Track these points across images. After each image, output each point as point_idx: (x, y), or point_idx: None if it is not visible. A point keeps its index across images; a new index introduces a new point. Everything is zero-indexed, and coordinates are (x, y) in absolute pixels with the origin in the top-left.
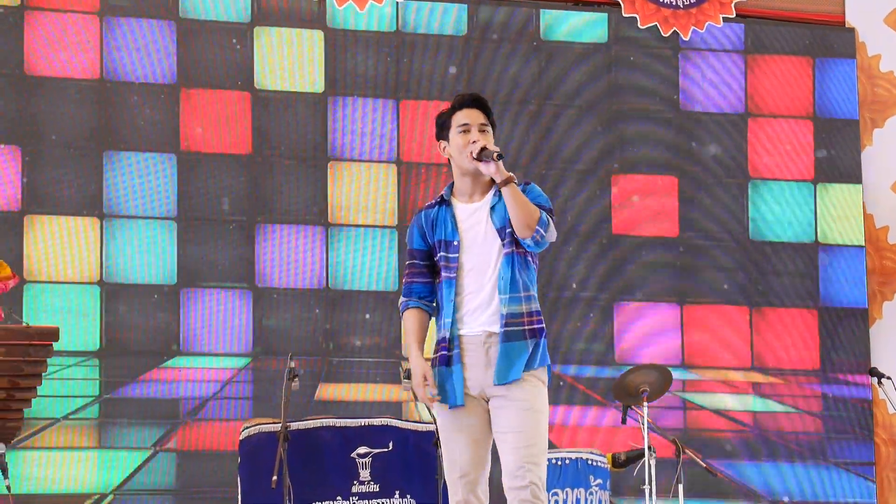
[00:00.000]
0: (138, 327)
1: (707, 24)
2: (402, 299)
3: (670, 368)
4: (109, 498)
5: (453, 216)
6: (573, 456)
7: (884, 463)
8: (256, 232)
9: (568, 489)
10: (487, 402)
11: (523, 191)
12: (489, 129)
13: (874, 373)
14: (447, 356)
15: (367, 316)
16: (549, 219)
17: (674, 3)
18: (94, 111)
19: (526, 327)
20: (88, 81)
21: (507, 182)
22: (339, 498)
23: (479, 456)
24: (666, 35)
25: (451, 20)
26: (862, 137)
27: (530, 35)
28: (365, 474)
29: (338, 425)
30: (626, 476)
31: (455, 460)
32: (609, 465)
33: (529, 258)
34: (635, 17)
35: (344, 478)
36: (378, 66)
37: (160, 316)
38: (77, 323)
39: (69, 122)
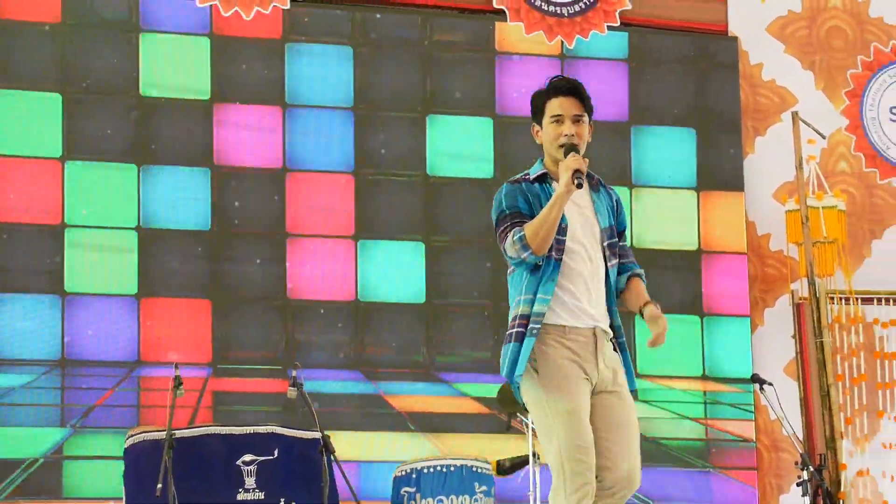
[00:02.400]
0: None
1: (591, 32)
2: (516, 234)
3: None
4: None
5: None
6: (458, 463)
7: (766, 468)
8: (141, 241)
9: (453, 496)
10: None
11: None
12: (585, 118)
13: (756, 379)
14: (528, 331)
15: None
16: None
17: (558, 12)
18: None
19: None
20: None
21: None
22: None
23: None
24: (550, 43)
25: (338, 27)
26: (744, 145)
27: (415, 43)
28: (250, 482)
29: (223, 433)
30: (511, 482)
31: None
32: (494, 472)
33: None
34: (520, 25)
35: (229, 485)
36: (264, 73)
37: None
38: None
39: None
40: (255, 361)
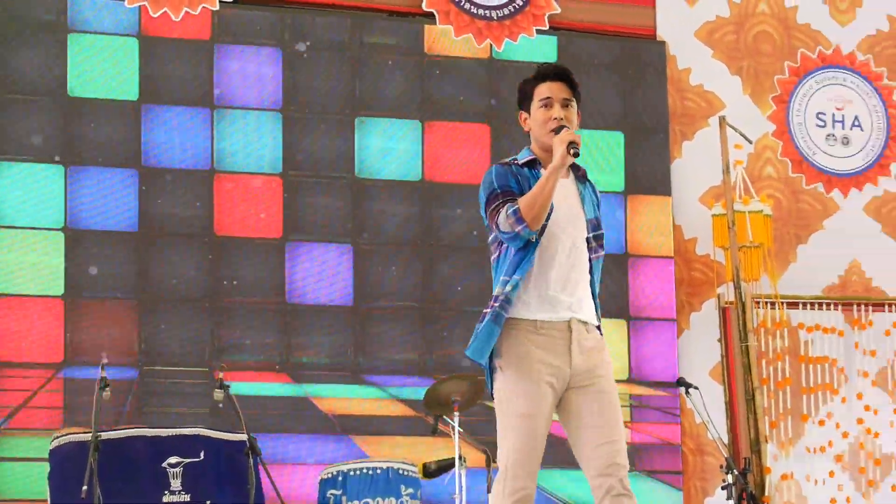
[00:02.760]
0: None
1: (520, 35)
2: (509, 209)
3: (482, 378)
4: None
5: None
6: (384, 465)
7: (691, 472)
8: (68, 243)
9: (379, 499)
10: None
11: None
12: (573, 103)
13: (682, 383)
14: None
15: (182, 328)
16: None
17: (487, 15)
18: None
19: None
20: None
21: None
22: None
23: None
24: (479, 46)
25: (268, 28)
26: (672, 150)
27: (345, 45)
28: (176, 484)
29: (149, 435)
30: (438, 485)
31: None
32: (420, 475)
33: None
34: (450, 28)
35: (155, 487)
36: (192, 74)
37: None
38: None
39: None
40: (182, 363)
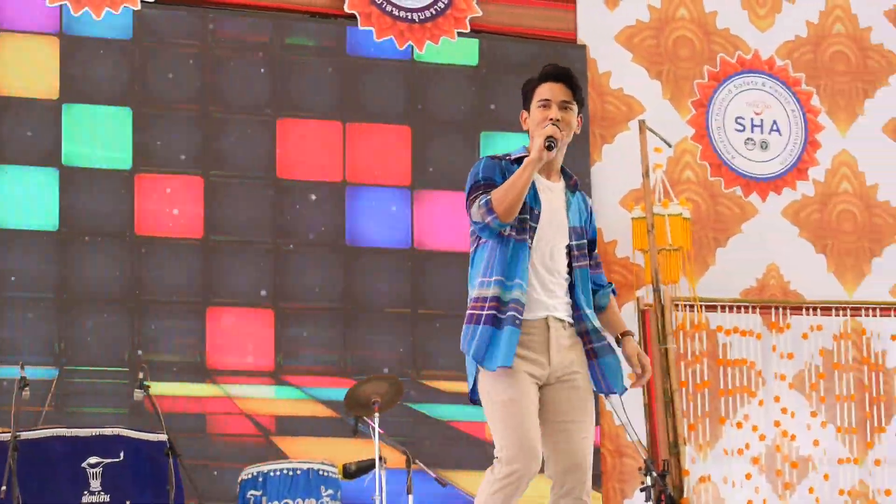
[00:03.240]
0: None
1: (442, 38)
2: (482, 199)
3: (402, 379)
4: None
5: (533, 185)
6: (304, 466)
7: (609, 474)
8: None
9: (299, 499)
10: (540, 387)
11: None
12: (573, 106)
13: None
14: (511, 317)
15: (103, 327)
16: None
17: (409, 17)
18: None
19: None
20: None
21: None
22: None
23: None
24: (401, 49)
25: (186, 29)
26: (591, 153)
27: (267, 46)
28: (95, 484)
29: (68, 435)
30: (358, 486)
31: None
32: (340, 476)
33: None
34: (371, 30)
35: (74, 488)
36: (114, 74)
37: None
38: None
39: None
40: (103, 363)
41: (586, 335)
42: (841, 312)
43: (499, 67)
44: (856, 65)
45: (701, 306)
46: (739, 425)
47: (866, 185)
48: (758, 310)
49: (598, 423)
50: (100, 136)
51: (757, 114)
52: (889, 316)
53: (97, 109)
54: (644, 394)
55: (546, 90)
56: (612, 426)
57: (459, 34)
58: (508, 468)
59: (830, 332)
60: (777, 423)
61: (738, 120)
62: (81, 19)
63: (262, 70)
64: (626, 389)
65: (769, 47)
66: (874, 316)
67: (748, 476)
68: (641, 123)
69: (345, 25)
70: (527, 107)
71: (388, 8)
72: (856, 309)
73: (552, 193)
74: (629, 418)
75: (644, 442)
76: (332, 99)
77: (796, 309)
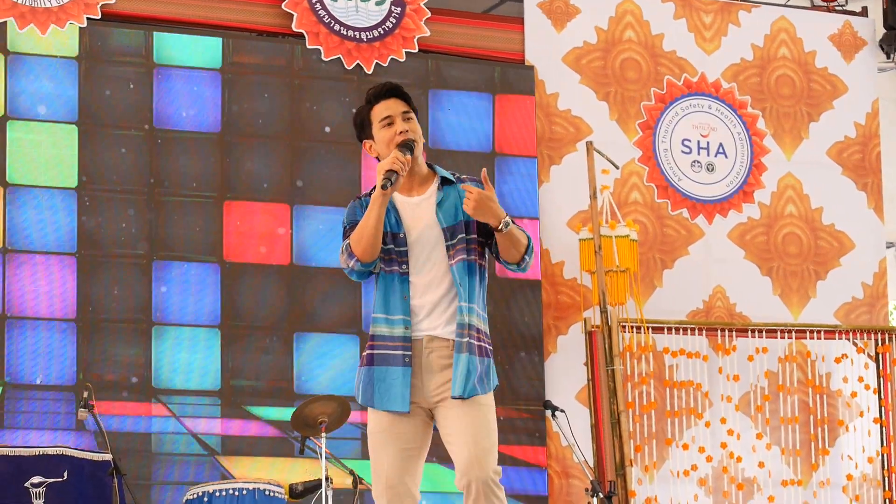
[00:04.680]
0: None
1: (390, 57)
2: (344, 245)
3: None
4: None
5: (395, 207)
6: (250, 486)
7: (556, 495)
8: None
9: None
10: (430, 411)
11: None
12: (412, 115)
13: (547, 406)
14: (402, 356)
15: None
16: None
17: (357, 37)
18: None
19: (484, 343)
20: None
21: (505, 225)
22: None
23: (411, 466)
24: (349, 68)
25: (135, 47)
26: (539, 174)
27: (216, 64)
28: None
29: (11, 454)
30: None
31: (382, 470)
32: (286, 496)
33: (485, 270)
34: (319, 49)
35: None
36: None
37: None
38: None
39: None
40: (45, 381)
41: (464, 328)
42: (786, 335)
43: (447, 87)
44: (801, 88)
45: (648, 328)
46: (686, 447)
47: (811, 207)
48: (704, 332)
49: (544, 443)
50: (45, 153)
51: (703, 136)
52: (833, 339)
53: (43, 126)
54: (591, 415)
55: (383, 108)
56: (558, 447)
57: (408, 54)
58: None
59: (776, 355)
60: (724, 445)
61: (685, 142)
62: (26, 36)
63: (212, 89)
64: (476, 393)
65: (715, 70)
66: (819, 338)
67: (695, 497)
68: (589, 145)
69: (294, 44)
70: (368, 135)
71: (336, 27)
72: (801, 331)
73: (417, 207)
74: (576, 439)
75: (591, 463)
76: (279, 118)
77: (742, 331)
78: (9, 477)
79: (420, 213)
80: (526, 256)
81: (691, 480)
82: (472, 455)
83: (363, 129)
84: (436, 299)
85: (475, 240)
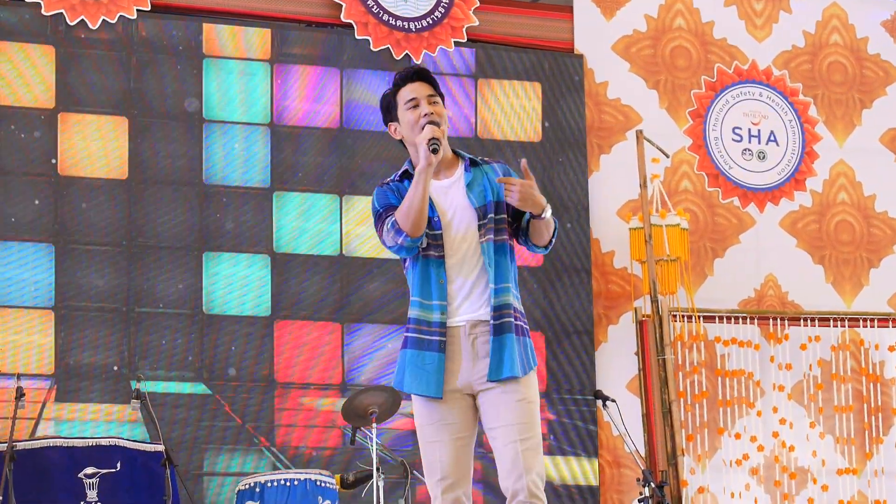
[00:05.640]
0: None
1: (439, 47)
2: (388, 222)
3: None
4: None
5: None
6: (302, 477)
7: (608, 484)
8: None
9: None
10: (474, 397)
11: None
12: (438, 98)
13: (599, 395)
14: (437, 342)
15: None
16: None
17: (406, 27)
18: None
19: (521, 322)
20: None
21: (546, 212)
22: None
23: (463, 456)
24: (398, 58)
25: (182, 36)
26: (589, 163)
27: (267, 53)
28: (92, 494)
29: (65, 445)
30: (356, 497)
31: (435, 462)
32: (338, 486)
33: (514, 250)
34: (368, 40)
35: (71, 498)
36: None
37: None
38: None
39: None
40: (97, 372)
41: (500, 309)
42: (839, 323)
43: (495, 77)
44: (853, 75)
45: (699, 317)
46: (738, 436)
47: (864, 195)
48: (756, 320)
49: (595, 433)
50: (97, 145)
51: (754, 124)
52: (887, 327)
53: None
54: (642, 404)
55: (409, 91)
56: (610, 437)
57: (456, 43)
58: None
59: (828, 343)
60: (776, 434)
61: (736, 130)
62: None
63: (261, 80)
64: (516, 374)
65: (766, 57)
66: (872, 327)
67: (747, 487)
68: (639, 134)
69: (343, 34)
70: (393, 118)
71: (385, 17)
72: (854, 320)
73: (448, 190)
74: (627, 429)
75: (642, 453)
76: (327, 108)
77: (794, 320)
78: (64, 467)
79: (452, 195)
80: (553, 239)
81: (743, 470)
82: (516, 460)
83: (389, 111)
84: (472, 282)
85: (504, 219)
